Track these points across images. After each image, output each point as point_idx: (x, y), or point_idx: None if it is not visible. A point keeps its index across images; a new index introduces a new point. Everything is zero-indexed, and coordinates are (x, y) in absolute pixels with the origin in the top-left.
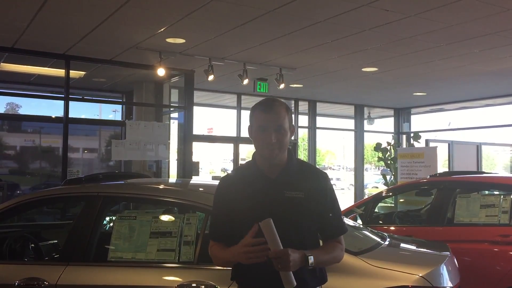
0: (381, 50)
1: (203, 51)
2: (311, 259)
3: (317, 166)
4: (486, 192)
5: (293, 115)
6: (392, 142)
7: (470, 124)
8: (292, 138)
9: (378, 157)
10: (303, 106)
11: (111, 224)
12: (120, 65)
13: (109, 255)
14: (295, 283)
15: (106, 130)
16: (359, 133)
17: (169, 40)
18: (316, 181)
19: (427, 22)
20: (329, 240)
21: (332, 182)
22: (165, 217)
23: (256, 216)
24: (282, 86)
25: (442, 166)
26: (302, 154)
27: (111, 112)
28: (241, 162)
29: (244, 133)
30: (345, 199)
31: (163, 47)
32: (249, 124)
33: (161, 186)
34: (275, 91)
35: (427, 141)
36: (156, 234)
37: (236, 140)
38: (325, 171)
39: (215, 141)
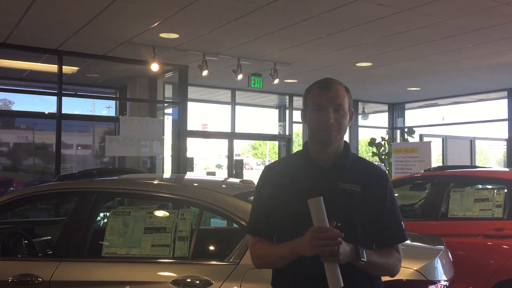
0: (375, 45)
1: (197, 46)
2: (363, 253)
3: None
4: (480, 186)
5: (285, 104)
6: (386, 137)
7: (463, 119)
8: (284, 132)
9: (373, 152)
10: (298, 101)
11: (105, 220)
12: (113, 61)
13: (103, 251)
14: (342, 284)
15: (100, 126)
16: (353, 128)
17: (163, 35)
18: (375, 177)
19: (421, 17)
20: (385, 247)
21: None
22: (159, 213)
23: (305, 208)
24: (276, 81)
25: (436, 161)
26: (297, 150)
27: (105, 108)
28: (235, 157)
29: (239, 128)
30: None
31: (157, 42)
32: (302, 107)
33: (155, 182)
34: (269, 86)
35: (421, 136)
36: (151, 230)
37: (231, 136)
38: None
39: (209, 136)
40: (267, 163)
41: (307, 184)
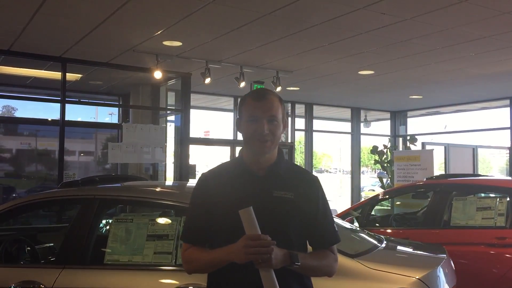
0: (377, 53)
1: (200, 54)
2: (297, 257)
3: (313, 169)
4: (482, 194)
5: (287, 112)
6: (389, 145)
7: (466, 127)
8: (286, 139)
9: (375, 160)
10: (300, 109)
11: (108, 227)
12: (116, 68)
13: (106, 258)
14: (277, 287)
15: (103, 133)
16: (355, 136)
17: (166, 43)
18: (307, 183)
19: (423, 25)
20: (320, 249)
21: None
22: (161, 220)
23: (239, 217)
24: (278, 89)
25: (438, 169)
26: (299, 157)
27: (108, 115)
28: None
29: (241, 136)
30: (342, 202)
31: (160, 50)
32: (237, 116)
33: (158, 189)
34: None
35: (423, 144)
36: (153, 237)
37: (233, 143)
38: (322, 174)
39: (211, 144)
40: None
41: (242, 193)
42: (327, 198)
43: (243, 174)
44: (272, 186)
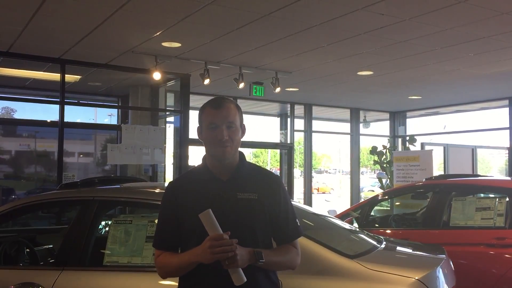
0: (376, 54)
1: (199, 55)
2: (261, 255)
3: (312, 170)
4: (482, 195)
5: (286, 113)
6: (388, 146)
7: (465, 127)
8: (286, 140)
9: (374, 160)
10: (299, 109)
11: (107, 229)
12: (115, 69)
13: (105, 259)
14: (245, 279)
15: (102, 134)
16: (354, 136)
17: (165, 44)
18: (269, 183)
19: (422, 26)
20: (284, 244)
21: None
22: None
23: None
24: (278, 89)
25: (437, 169)
26: (298, 158)
27: (107, 116)
28: None
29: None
30: (341, 203)
31: (159, 51)
32: (198, 125)
33: (157, 190)
34: (271, 94)
35: (422, 145)
36: (152, 239)
37: None
38: (322, 174)
39: None
40: None
41: (208, 198)
42: (289, 196)
43: (209, 180)
44: (237, 189)
